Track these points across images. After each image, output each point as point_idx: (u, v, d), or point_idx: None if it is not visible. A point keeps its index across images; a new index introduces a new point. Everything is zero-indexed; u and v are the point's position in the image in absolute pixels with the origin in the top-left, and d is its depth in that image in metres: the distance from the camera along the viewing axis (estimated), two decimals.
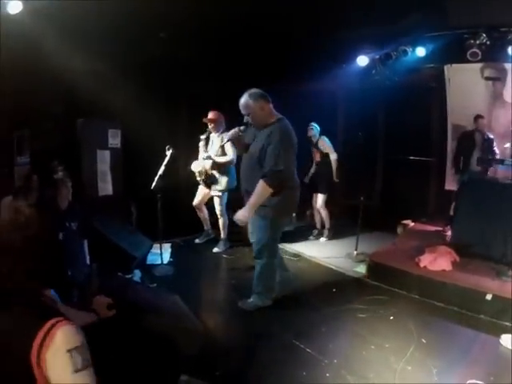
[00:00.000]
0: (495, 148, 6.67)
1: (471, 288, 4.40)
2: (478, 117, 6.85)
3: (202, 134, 5.76)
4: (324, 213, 6.71)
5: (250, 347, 3.50)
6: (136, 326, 2.46)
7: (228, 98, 6.61)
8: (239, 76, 6.70)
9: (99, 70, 5.27)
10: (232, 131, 4.10)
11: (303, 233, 6.93)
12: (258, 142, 3.97)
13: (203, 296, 4.58)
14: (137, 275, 4.78)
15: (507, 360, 3.43)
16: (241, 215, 3.88)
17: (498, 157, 6.50)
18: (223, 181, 5.73)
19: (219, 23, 5.41)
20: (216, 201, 5.85)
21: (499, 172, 6.49)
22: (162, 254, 5.11)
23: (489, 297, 4.23)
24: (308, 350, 3.45)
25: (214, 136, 5.78)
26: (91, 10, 4.44)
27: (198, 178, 5.77)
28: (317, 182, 6.62)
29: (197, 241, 6.22)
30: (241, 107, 3.98)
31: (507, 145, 6.69)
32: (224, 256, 5.85)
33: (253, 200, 3.83)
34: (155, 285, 4.57)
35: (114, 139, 6.22)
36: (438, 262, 4.95)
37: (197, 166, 5.72)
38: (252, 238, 4.17)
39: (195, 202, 6.01)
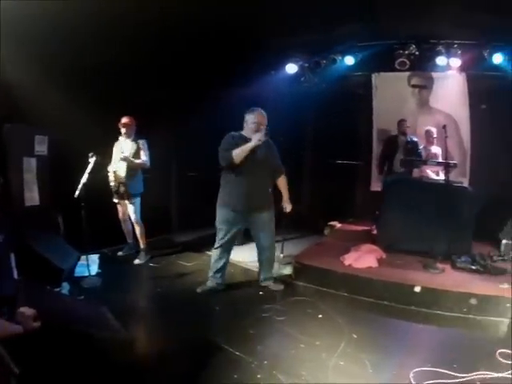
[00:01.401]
0: (420, 150, 6.92)
1: (399, 282, 4.51)
2: (401, 121, 7.13)
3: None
4: None
5: (179, 354, 3.41)
6: (62, 337, 2.46)
7: (159, 104, 6.63)
8: (170, 83, 6.66)
9: (29, 72, 5.01)
10: (262, 135, 4.40)
11: None
12: (261, 152, 4.51)
13: (131, 306, 4.41)
14: (65, 288, 4.62)
15: (443, 346, 3.58)
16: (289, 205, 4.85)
17: (420, 158, 6.73)
18: (133, 184, 5.62)
19: (153, 30, 5.32)
20: (130, 208, 5.70)
21: (415, 171, 6.76)
22: (88, 265, 4.98)
23: (417, 289, 4.34)
24: (237, 352, 3.37)
25: (125, 141, 5.66)
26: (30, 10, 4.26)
27: (112, 184, 5.60)
28: None
29: (120, 253, 6.04)
30: (262, 120, 4.53)
31: (421, 147, 6.97)
32: (150, 265, 5.74)
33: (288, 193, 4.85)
34: (83, 297, 4.40)
35: (41, 146, 5.84)
36: (363, 259, 5.06)
37: (112, 167, 5.58)
38: (267, 231, 4.72)
39: (120, 215, 5.87)
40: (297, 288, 4.93)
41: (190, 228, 7.61)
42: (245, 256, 5.95)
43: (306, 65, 7.60)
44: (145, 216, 5.83)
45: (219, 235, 4.67)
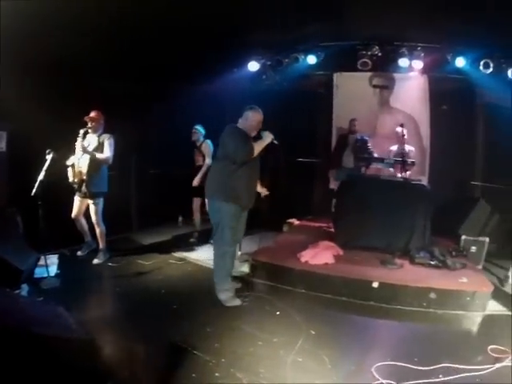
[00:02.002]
0: (370, 148, 7.05)
1: (357, 278, 4.55)
2: (352, 120, 7.34)
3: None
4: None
5: (138, 353, 3.36)
6: (19, 338, 2.39)
7: (120, 100, 6.51)
8: (131, 79, 6.56)
9: None
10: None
11: (188, 237, 7.02)
12: None
13: (89, 306, 4.36)
14: (24, 289, 4.54)
15: (403, 341, 3.67)
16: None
17: (375, 156, 6.88)
18: (96, 182, 5.46)
19: (116, 24, 5.22)
20: (92, 209, 5.55)
21: (371, 169, 6.91)
22: (47, 266, 4.85)
23: (375, 284, 4.41)
24: (195, 351, 3.34)
25: (91, 136, 5.50)
26: None
27: (71, 179, 5.42)
28: (201, 186, 5.87)
29: (79, 253, 5.89)
30: (261, 119, 4.61)
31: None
32: (109, 264, 5.63)
33: None
34: (42, 298, 4.29)
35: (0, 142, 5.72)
36: (319, 256, 5.08)
37: (72, 160, 5.37)
38: (244, 227, 4.71)
39: (73, 214, 5.65)
40: (254, 285, 4.93)
41: (150, 227, 7.57)
42: (201, 254, 6.06)
43: (269, 63, 7.65)
44: (104, 214, 5.70)
45: (229, 234, 4.35)
